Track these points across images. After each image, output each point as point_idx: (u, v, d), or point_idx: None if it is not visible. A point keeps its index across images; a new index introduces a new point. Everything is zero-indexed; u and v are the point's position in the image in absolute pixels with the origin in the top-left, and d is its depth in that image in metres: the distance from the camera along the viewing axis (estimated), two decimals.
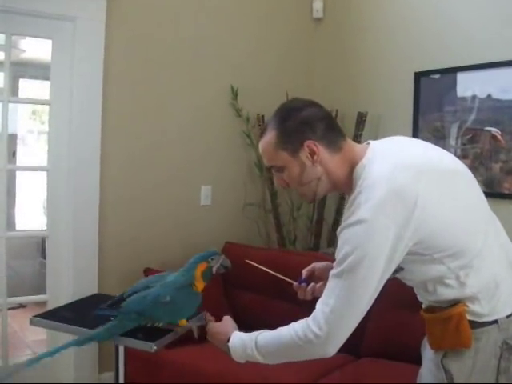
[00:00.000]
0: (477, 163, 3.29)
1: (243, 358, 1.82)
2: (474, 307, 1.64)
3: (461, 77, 3.39)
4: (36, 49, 5.25)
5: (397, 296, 3.17)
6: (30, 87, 6.39)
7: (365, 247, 1.55)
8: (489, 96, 3.26)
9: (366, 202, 1.56)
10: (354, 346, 3.13)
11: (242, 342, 1.81)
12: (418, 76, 3.58)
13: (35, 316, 2.30)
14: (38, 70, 5.75)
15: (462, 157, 3.35)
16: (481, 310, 1.64)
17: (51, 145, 3.48)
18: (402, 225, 1.53)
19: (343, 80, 3.99)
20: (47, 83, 3.48)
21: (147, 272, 3.40)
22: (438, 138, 3.47)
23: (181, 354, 3.05)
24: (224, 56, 3.92)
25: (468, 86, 3.36)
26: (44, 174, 3.51)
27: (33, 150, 6.56)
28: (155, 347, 2.02)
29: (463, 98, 3.38)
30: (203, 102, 3.81)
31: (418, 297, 1.84)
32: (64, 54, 3.37)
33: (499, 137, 3.20)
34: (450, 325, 1.65)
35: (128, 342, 2.09)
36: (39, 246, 5.73)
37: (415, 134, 3.57)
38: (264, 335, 1.78)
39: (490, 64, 3.22)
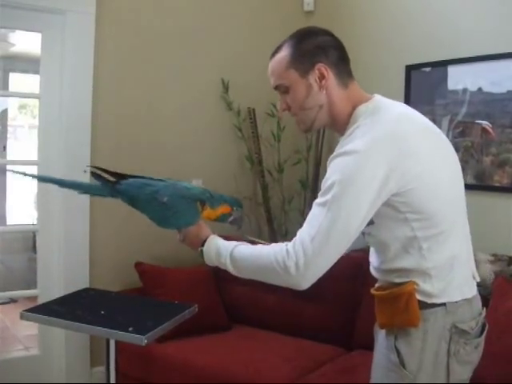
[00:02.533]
0: (468, 156, 3.30)
1: (215, 264, 1.78)
2: (424, 286, 1.65)
3: (452, 70, 3.39)
4: (26, 42, 5.23)
5: None
6: (20, 81, 6.36)
7: (353, 178, 1.54)
8: (480, 89, 3.26)
9: (362, 135, 1.58)
10: (346, 338, 3.15)
11: (217, 249, 1.76)
12: (409, 69, 3.58)
13: (25, 310, 2.30)
14: (28, 64, 5.73)
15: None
16: (431, 289, 1.65)
17: (41, 139, 3.46)
18: (392, 167, 1.54)
19: None
20: (38, 77, 3.45)
21: (138, 266, 3.39)
22: None
23: (172, 348, 3.06)
24: (215, 49, 3.91)
25: (459, 79, 3.36)
26: (34, 168, 3.49)
27: (24, 144, 6.53)
28: (146, 340, 2.02)
29: (454, 91, 3.38)
30: (194, 96, 3.80)
31: (372, 269, 1.82)
32: (54, 48, 3.35)
33: (490, 130, 3.20)
34: (400, 303, 1.65)
35: (118, 335, 2.09)
36: (30, 240, 5.71)
37: None
38: (241, 249, 1.72)
39: (481, 57, 3.23)
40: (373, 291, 1.78)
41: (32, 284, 3.74)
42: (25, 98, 5.66)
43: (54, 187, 3.32)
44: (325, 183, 1.60)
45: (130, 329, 2.06)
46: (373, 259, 1.81)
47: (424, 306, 1.65)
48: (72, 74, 3.36)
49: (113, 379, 2.38)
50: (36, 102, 3.55)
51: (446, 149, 1.77)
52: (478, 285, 2.84)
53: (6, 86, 6.16)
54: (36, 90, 3.48)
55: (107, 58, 3.48)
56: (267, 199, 4.06)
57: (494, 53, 3.16)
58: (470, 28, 3.30)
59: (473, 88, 3.29)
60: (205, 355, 3.00)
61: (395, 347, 1.68)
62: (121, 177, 1.95)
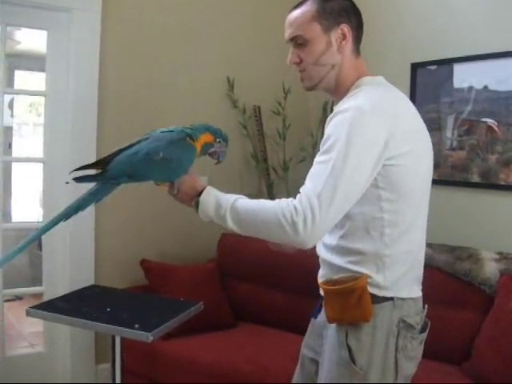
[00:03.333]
0: (473, 155, 3.29)
1: (210, 218, 1.71)
2: (377, 276, 1.66)
3: (457, 68, 3.38)
4: (32, 40, 5.23)
5: None
6: (25, 79, 6.37)
7: (357, 135, 1.56)
8: (485, 87, 3.25)
9: (365, 96, 1.65)
10: None
11: (216, 200, 1.69)
12: (415, 67, 3.57)
13: (31, 307, 2.31)
14: (33, 62, 5.73)
15: (459, 148, 3.36)
16: (383, 280, 1.67)
17: (47, 136, 3.47)
18: (391, 134, 1.59)
19: None
20: (43, 75, 3.46)
21: (144, 263, 3.40)
22: (435, 129, 3.46)
23: (177, 345, 3.06)
24: (220, 47, 3.90)
25: (465, 77, 3.35)
26: (40, 165, 3.50)
27: (29, 141, 6.54)
28: (151, 337, 2.03)
29: (460, 89, 3.37)
30: (199, 94, 3.80)
31: (322, 248, 1.82)
32: (59, 45, 3.36)
33: (495, 128, 3.19)
34: (352, 298, 1.65)
35: (124, 332, 2.10)
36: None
37: None
38: (244, 202, 1.67)
39: (487, 55, 3.21)
40: (323, 285, 1.76)
41: (37, 281, 3.75)
42: (30, 95, 5.65)
43: (60, 184, 3.36)
44: (326, 141, 1.61)
45: (136, 326, 2.07)
46: (326, 236, 1.76)
47: (374, 300, 1.66)
48: (78, 72, 3.36)
49: (118, 376, 2.39)
50: (41, 100, 3.55)
51: (428, 144, 1.81)
52: (483, 283, 2.87)
53: (11, 83, 6.16)
54: (41, 87, 3.49)
55: (113, 56, 3.48)
56: (272, 197, 4.05)
57: (499, 51, 3.15)
58: (475, 26, 3.28)
59: (478, 86, 3.28)
60: (210, 352, 3.00)
61: (346, 344, 1.68)
62: (104, 163, 1.84)
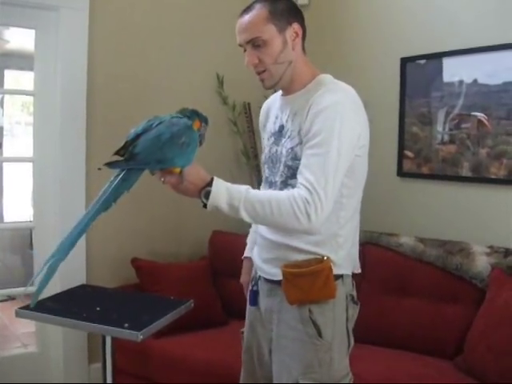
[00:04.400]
0: (463, 148, 3.29)
1: (219, 209, 1.73)
2: (333, 256, 1.84)
3: (447, 62, 3.37)
4: (21, 39, 5.20)
5: (382, 281, 3.20)
6: (16, 78, 6.33)
7: (347, 128, 1.74)
8: (475, 81, 3.24)
9: (343, 92, 1.83)
10: None
11: (228, 192, 1.72)
12: (404, 62, 3.56)
13: (21, 308, 2.30)
14: (23, 61, 5.69)
15: (449, 142, 3.35)
16: (337, 260, 1.84)
17: (37, 135, 3.45)
18: (361, 128, 1.82)
19: (328, 67, 3.95)
20: (33, 74, 3.44)
21: (135, 262, 3.39)
22: (425, 123, 3.46)
23: (169, 344, 3.06)
24: (209, 44, 3.88)
25: (454, 71, 3.34)
26: (30, 165, 3.48)
27: (21, 141, 6.51)
28: (141, 336, 2.02)
29: (450, 84, 3.36)
30: (189, 90, 3.78)
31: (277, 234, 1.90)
32: (48, 44, 3.34)
33: (486, 122, 3.19)
34: (320, 278, 1.81)
35: (114, 332, 2.09)
36: (28, 237, 5.70)
37: (402, 120, 3.56)
38: (255, 193, 1.74)
39: (477, 49, 3.20)
40: (284, 268, 1.85)
41: (30, 281, 3.73)
42: (20, 94, 5.62)
43: (50, 184, 3.34)
44: (317, 134, 1.73)
45: (126, 325, 2.06)
46: None
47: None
48: (66, 71, 3.34)
49: (109, 376, 2.38)
50: (32, 99, 3.53)
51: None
52: (474, 277, 2.88)
53: (1, 83, 6.13)
54: (32, 87, 3.46)
55: (101, 54, 3.46)
56: None
57: (489, 44, 3.14)
58: (465, 20, 3.28)
59: (468, 80, 3.27)
60: (202, 350, 3.00)
61: (311, 320, 1.83)
62: (124, 148, 1.78)
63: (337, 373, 1.87)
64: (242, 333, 2.17)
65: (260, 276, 2.02)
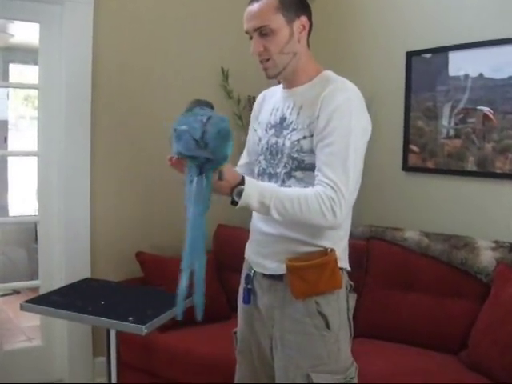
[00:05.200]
0: (469, 143, 3.27)
1: (250, 207, 1.74)
2: (338, 249, 1.87)
3: (452, 56, 3.35)
4: (25, 33, 5.20)
5: (386, 276, 3.20)
6: (20, 72, 6.34)
7: (359, 127, 1.80)
8: (481, 75, 3.23)
9: (353, 90, 1.85)
10: None
11: (259, 191, 1.73)
12: (410, 56, 3.54)
13: (26, 301, 2.30)
14: (28, 55, 5.70)
15: (455, 136, 3.33)
16: (339, 252, 1.87)
17: (41, 130, 3.45)
18: (368, 124, 1.88)
19: (334, 61, 3.91)
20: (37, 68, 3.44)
21: (139, 256, 3.39)
22: (431, 117, 3.44)
23: (173, 337, 3.06)
24: (214, 37, 3.88)
25: (460, 65, 3.32)
26: (35, 159, 3.48)
27: (25, 135, 6.51)
28: (146, 330, 2.02)
29: (455, 78, 3.34)
30: (194, 84, 3.77)
31: (281, 227, 1.89)
32: (52, 38, 3.34)
33: (491, 116, 3.17)
34: (327, 270, 1.83)
35: (118, 325, 2.09)
36: (33, 231, 5.71)
37: (407, 114, 3.54)
38: (285, 192, 1.76)
39: (482, 43, 3.19)
40: (290, 263, 1.85)
41: (35, 275, 3.74)
42: (24, 88, 5.63)
43: (54, 178, 3.34)
44: (333, 132, 1.76)
45: (130, 319, 2.06)
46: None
47: None
48: (71, 65, 3.34)
49: (114, 369, 2.38)
50: (37, 93, 3.53)
51: None
52: (479, 272, 2.87)
53: (6, 77, 6.14)
54: (36, 81, 3.46)
55: (106, 48, 3.46)
56: None
57: (494, 38, 3.12)
58: (470, 13, 3.26)
59: (474, 74, 3.25)
60: (206, 344, 3.00)
61: (318, 312, 1.85)
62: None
63: (344, 363, 1.91)
64: (235, 333, 2.15)
65: (255, 273, 2.02)
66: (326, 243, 1.87)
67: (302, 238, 1.86)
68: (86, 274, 3.32)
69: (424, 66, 3.49)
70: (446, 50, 3.36)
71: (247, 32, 1.93)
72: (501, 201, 3.15)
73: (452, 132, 3.36)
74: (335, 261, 1.84)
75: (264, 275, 1.97)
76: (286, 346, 1.90)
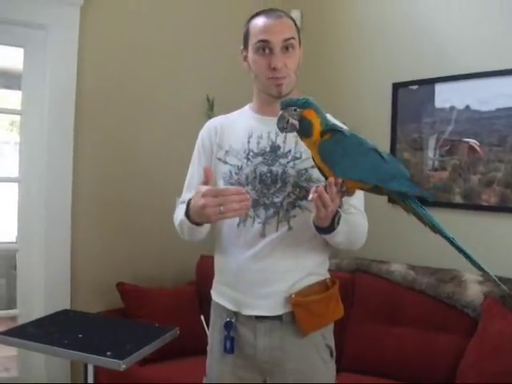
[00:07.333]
0: (455, 175, 3.26)
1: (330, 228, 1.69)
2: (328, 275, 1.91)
3: (439, 88, 3.36)
4: (9, 57, 5.15)
5: (372, 309, 3.15)
6: (5, 97, 6.29)
7: None
8: (467, 107, 3.23)
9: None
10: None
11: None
12: (396, 87, 3.55)
13: (1, 333, 2.22)
14: (12, 80, 5.65)
15: (441, 168, 3.32)
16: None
17: (23, 156, 3.39)
18: None
19: (321, 92, 3.93)
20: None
21: (120, 286, 3.33)
22: (416, 149, 3.43)
23: (154, 371, 3.00)
24: (200, 66, 3.86)
25: (446, 97, 3.33)
26: (15, 185, 3.41)
27: (10, 160, 6.44)
28: (124, 365, 1.95)
29: (441, 109, 3.35)
30: (179, 113, 3.75)
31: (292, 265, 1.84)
32: (36, 63, 3.30)
33: (478, 148, 3.17)
34: (333, 300, 1.85)
35: (96, 360, 2.01)
36: (13, 258, 5.60)
37: (393, 146, 3.54)
38: (346, 217, 1.75)
39: (469, 75, 3.20)
40: (300, 298, 1.79)
41: (13, 302, 3.65)
42: (6, 114, 5.55)
43: (35, 205, 3.27)
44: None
45: (108, 353, 1.98)
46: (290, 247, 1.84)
47: None
48: (54, 90, 3.30)
49: None
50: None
51: None
52: (467, 306, 2.83)
53: None
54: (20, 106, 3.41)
55: (90, 74, 3.42)
56: None
57: (481, 71, 3.14)
58: (457, 46, 3.27)
59: (460, 106, 3.26)
60: (187, 378, 2.93)
61: (326, 345, 1.86)
62: None
63: None
64: None
65: (239, 317, 1.86)
66: (323, 270, 1.90)
67: (310, 268, 1.84)
68: (65, 303, 3.25)
69: (410, 98, 3.49)
70: (432, 81, 3.37)
71: (265, 42, 1.82)
72: (487, 233, 3.13)
73: (438, 164, 3.35)
74: (339, 288, 1.87)
75: (257, 317, 1.83)
76: (289, 381, 1.82)
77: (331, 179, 1.55)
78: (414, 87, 3.47)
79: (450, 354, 2.82)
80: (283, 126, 1.63)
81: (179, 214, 1.88)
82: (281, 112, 1.63)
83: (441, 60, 3.33)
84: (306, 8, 4.09)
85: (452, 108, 3.29)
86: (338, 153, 1.59)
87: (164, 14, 3.73)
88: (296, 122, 1.62)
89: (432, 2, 3.42)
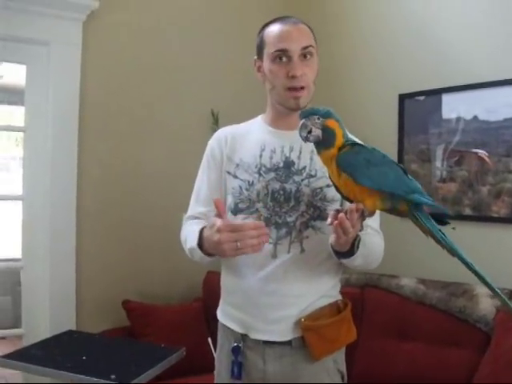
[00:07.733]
0: (464, 186, 3.21)
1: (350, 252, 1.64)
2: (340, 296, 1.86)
3: (446, 98, 3.32)
4: (14, 74, 5.17)
5: (382, 325, 3.10)
6: (9, 113, 6.29)
7: None
8: (475, 117, 3.19)
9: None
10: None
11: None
12: (403, 98, 3.51)
13: (3, 356, 2.17)
14: (16, 96, 5.65)
15: (449, 179, 3.28)
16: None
17: (26, 172, 3.36)
18: None
19: (327, 104, 3.89)
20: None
21: (126, 304, 3.28)
22: (424, 160, 3.39)
23: None
24: (204, 80, 3.83)
25: (453, 107, 3.29)
26: (19, 203, 3.38)
27: (17, 177, 6.43)
28: None
29: (449, 120, 3.30)
30: (183, 127, 3.72)
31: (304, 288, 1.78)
32: (39, 80, 3.28)
33: (486, 159, 3.12)
34: (344, 324, 1.77)
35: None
36: (18, 275, 5.57)
37: (400, 157, 3.50)
38: (365, 238, 1.70)
39: (476, 85, 3.16)
40: (309, 322, 1.72)
41: (19, 319, 3.62)
42: (10, 131, 5.55)
43: (40, 222, 3.24)
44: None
45: (112, 376, 1.93)
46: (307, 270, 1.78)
47: None
48: (58, 107, 3.28)
49: None
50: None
51: None
52: (479, 321, 2.77)
53: None
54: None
55: (93, 90, 3.40)
56: None
57: (488, 80, 3.10)
58: (463, 56, 3.24)
59: (468, 116, 3.21)
60: None
61: (337, 370, 1.79)
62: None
63: None
64: None
65: (247, 342, 1.80)
66: (336, 292, 1.85)
67: (324, 291, 1.77)
68: (70, 322, 3.21)
69: (417, 109, 3.46)
70: (439, 92, 3.34)
71: (283, 51, 1.76)
72: (498, 246, 3.07)
73: (446, 175, 3.30)
74: (351, 311, 1.80)
75: (267, 342, 1.76)
76: None
77: (352, 206, 1.49)
78: (421, 98, 3.43)
79: (462, 369, 2.77)
80: (306, 136, 1.56)
81: (189, 238, 1.80)
82: (303, 121, 1.57)
83: (447, 70, 3.30)
84: (310, 21, 4.04)
85: (459, 118, 3.25)
86: (361, 163, 1.53)
87: (167, 28, 3.70)
88: (319, 132, 1.57)
89: (437, 13, 3.39)
